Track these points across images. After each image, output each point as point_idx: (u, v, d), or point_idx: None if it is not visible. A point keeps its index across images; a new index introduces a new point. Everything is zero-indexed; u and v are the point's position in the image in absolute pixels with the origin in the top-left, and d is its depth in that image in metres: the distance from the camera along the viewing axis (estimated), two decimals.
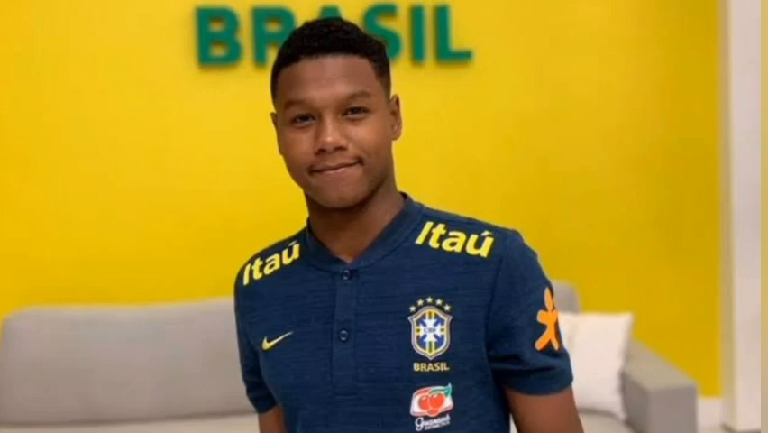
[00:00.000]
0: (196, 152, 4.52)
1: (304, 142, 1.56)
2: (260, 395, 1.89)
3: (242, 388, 1.95)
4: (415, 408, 1.59)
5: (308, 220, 1.73)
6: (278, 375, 1.72)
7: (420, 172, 4.55)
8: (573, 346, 3.91)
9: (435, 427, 1.60)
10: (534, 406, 1.66)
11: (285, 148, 1.61)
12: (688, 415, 3.84)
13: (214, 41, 4.45)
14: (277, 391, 1.76)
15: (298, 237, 1.77)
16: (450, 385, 1.60)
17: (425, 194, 1.85)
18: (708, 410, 4.93)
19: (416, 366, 1.58)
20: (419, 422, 1.60)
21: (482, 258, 1.60)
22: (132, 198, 4.47)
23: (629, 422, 3.93)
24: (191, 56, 4.45)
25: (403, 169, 1.74)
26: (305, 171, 1.58)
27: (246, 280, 1.80)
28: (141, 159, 4.47)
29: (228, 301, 1.93)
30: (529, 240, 1.67)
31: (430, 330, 1.58)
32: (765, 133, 2.41)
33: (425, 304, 1.60)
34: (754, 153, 4.92)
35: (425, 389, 1.59)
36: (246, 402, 1.97)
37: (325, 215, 1.64)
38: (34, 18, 4.33)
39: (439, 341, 1.58)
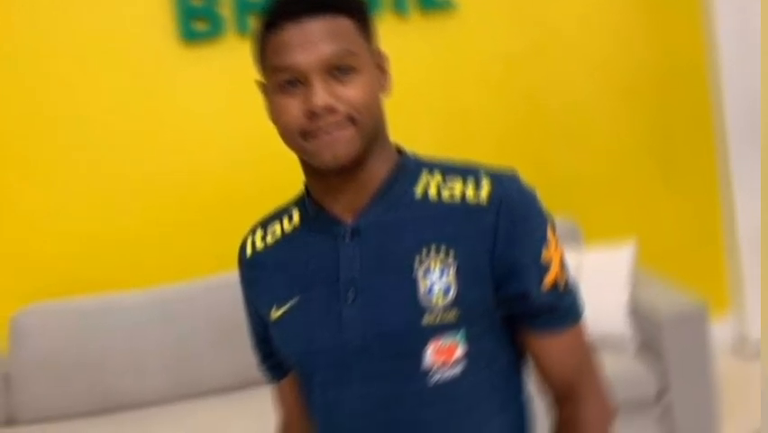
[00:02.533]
0: (187, 131, 4.49)
1: (294, 107, 1.56)
2: (272, 364, 1.90)
3: (254, 360, 1.96)
4: (427, 361, 1.60)
5: (305, 184, 1.73)
6: (290, 342, 1.73)
7: (412, 124, 4.54)
8: (580, 281, 3.90)
9: (448, 379, 1.61)
10: (548, 345, 1.68)
11: (275, 115, 1.60)
12: (700, 335, 3.84)
13: (196, 17, 4.41)
14: (290, 359, 1.78)
15: (297, 202, 1.77)
16: (462, 330, 1.60)
17: (418, 145, 1.85)
18: (720, 328, 4.94)
19: (425, 320, 1.59)
20: (432, 376, 1.61)
21: (482, 204, 1.60)
22: (127, 183, 4.45)
23: (642, 350, 3.94)
24: (174, 34, 4.41)
25: (395, 122, 1.73)
26: (297, 136, 1.57)
27: (249, 252, 1.80)
28: (133, 143, 4.44)
29: (232, 275, 1.93)
30: (526, 178, 1.67)
31: (436, 280, 1.59)
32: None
33: (429, 254, 1.60)
34: (741, 70, 4.90)
35: (438, 339, 1.59)
36: (259, 373, 1.97)
37: (322, 177, 1.64)
38: (15, 16, 4.30)
39: (446, 290, 1.58)
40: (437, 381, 1.61)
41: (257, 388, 3.82)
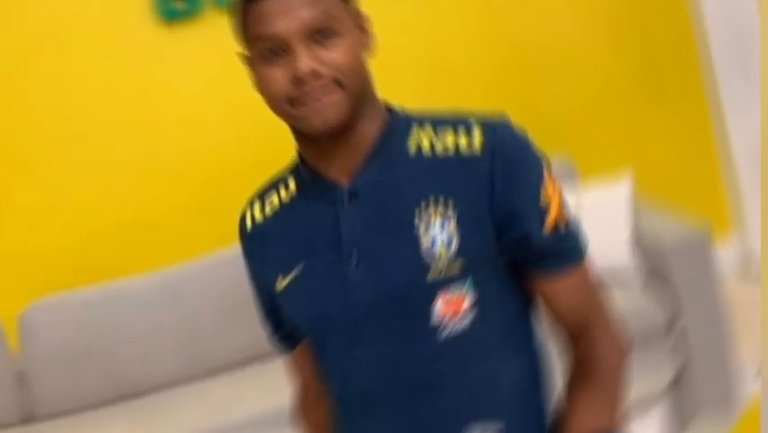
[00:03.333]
0: (175, 110, 4.47)
1: (279, 75, 1.56)
2: (284, 335, 1.90)
3: (265, 332, 1.96)
4: (436, 316, 1.61)
5: (298, 151, 1.73)
6: (299, 310, 1.74)
7: (397, 80, 4.50)
8: (580, 219, 3.87)
9: (458, 332, 1.62)
10: (555, 286, 1.68)
11: (261, 85, 1.60)
12: (706, 261, 3.85)
13: None
14: (301, 326, 1.78)
15: (292, 170, 1.76)
16: (468, 280, 1.61)
17: (405, 101, 1.84)
18: (724, 252, 4.94)
19: (430, 276, 1.59)
20: (442, 331, 1.61)
21: (476, 154, 1.60)
22: (120, 169, 4.43)
23: (649, 282, 3.95)
24: (152, 15, 4.38)
25: (380, 80, 1.72)
26: (285, 104, 1.57)
27: (249, 225, 1.80)
28: (122, 128, 4.42)
29: (234, 250, 1.92)
30: (517, 121, 1.66)
31: (438, 233, 1.59)
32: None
33: (428, 208, 1.60)
34: None
35: (445, 292, 1.60)
36: (271, 345, 1.97)
37: (314, 143, 1.63)
38: None
39: (449, 242, 1.59)
40: (448, 335, 1.62)
41: (270, 360, 3.82)
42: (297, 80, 1.54)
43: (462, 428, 1.64)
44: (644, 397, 3.78)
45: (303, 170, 1.72)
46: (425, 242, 1.59)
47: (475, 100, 4.55)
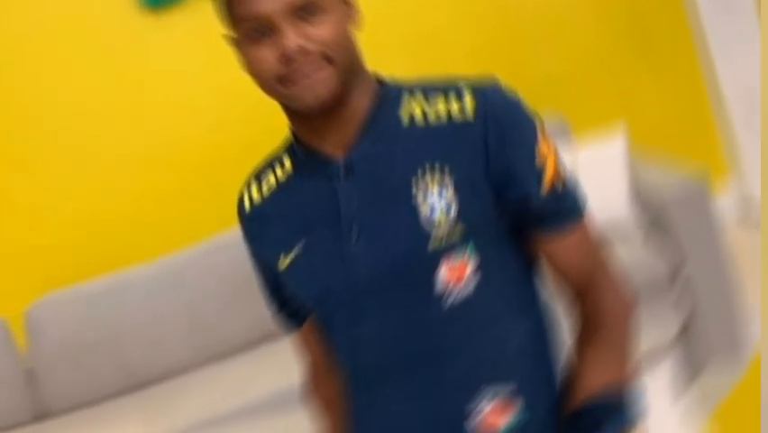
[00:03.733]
0: (165, 98, 4.47)
1: (267, 54, 1.55)
2: (289, 313, 1.89)
3: (270, 313, 1.96)
4: (440, 285, 1.61)
5: (291, 129, 1.72)
6: (303, 288, 1.74)
7: (385, 50, 4.49)
8: (577, 177, 3.88)
9: (463, 299, 1.62)
10: (557, 246, 1.68)
11: (250, 66, 1.59)
12: (705, 210, 3.85)
13: None
14: (306, 304, 1.79)
15: (286, 148, 1.76)
16: (470, 244, 1.60)
17: (394, 71, 1.84)
18: (723, 200, 4.94)
19: (431, 245, 1.59)
20: (446, 299, 1.61)
21: (468, 120, 1.60)
22: (116, 160, 4.43)
23: (650, 236, 3.95)
24: (136, 4, 4.37)
25: (368, 51, 1.72)
26: (275, 83, 1.57)
27: (247, 206, 1.80)
28: (114, 119, 4.42)
29: (234, 232, 1.92)
30: (507, 83, 1.66)
31: (436, 201, 1.59)
32: None
33: (425, 175, 1.60)
34: None
35: (447, 259, 1.60)
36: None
37: (306, 119, 1.63)
38: None
39: (448, 208, 1.58)
40: (453, 302, 1.62)
41: (278, 340, 3.83)
42: (286, 58, 1.53)
43: (475, 393, 1.65)
44: (654, 349, 3.79)
45: (297, 148, 1.72)
46: (423, 210, 1.59)
47: (464, 65, 4.55)
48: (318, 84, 1.55)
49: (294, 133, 1.72)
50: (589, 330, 1.72)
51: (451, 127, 1.61)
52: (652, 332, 3.75)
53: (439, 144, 1.61)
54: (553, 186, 1.63)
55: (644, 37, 5.00)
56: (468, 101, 1.61)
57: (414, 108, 1.65)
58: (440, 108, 1.63)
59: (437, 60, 4.70)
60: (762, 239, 2.11)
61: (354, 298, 1.65)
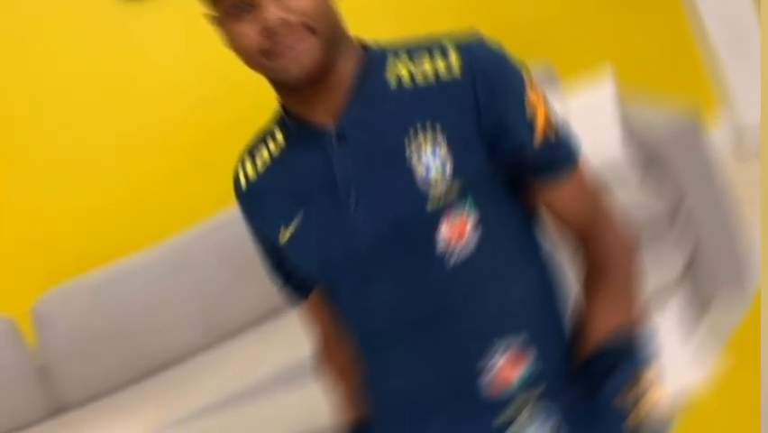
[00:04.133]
0: (153, 82, 4.46)
1: (249, 29, 1.54)
2: (294, 286, 1.89)
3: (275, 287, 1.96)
4: (441, 244, 1.61)
5: (280, 103, 1.72)
6: (306, 259, 1.74)
7: (366, 14, 4.49)
8: (569, 124, 3.88)
9: (465, 256, 1.62)
10: (555, 194, 1.68)
11: (233, 43, 1.59)
12: (699, 145, 3.85)
13: None
14: (310, 275, 1.78)
15: (277, 121, 1.75)
16: (469, 199, 1.60)
17: (377, 34, 1.83)
18: (715, 133, 4.95)
19: (429, 205, 1.59)
20: (449, 258, 1.61)
21: (456, 77, 1.59)
22: (108, 150, 4.43)
23: (647, 177, 3.95)
24: None
25: (350, 17, 1.71)
26: (260, 57, 1.56)
27: (243, 183, 1.79)
28: (104, 109, 4.41)
29: (232, 209, 1.91)
30: (492, 35, 1.65)
31: (431, 159, 1.59)
32: None
33: (417, 135, 1.60)
34: None
35: (447, 217, 1.60)
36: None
37: (294, 91, 1.63)
38: None
39: (443, 166, 1.58)
40: (456, 261, 1.62)
41: (286, 314, 3.83)
42: (268, 32, 1.53)
43: (487, 348, 1.65)
44: (660, 288, 3.80)
45: (288, 120, 1.71)
46: (419, 171, 1.59)
47: (447, 17, 4.56)
48: (303, 55, 1.54)
49: (283, 106, 1.72)
50: (594, 276, 1.73)
51: (439, 86, 1.60)
52: (657, 271, 3.76)
53: (429, 104, 1.61)
54: (545, 135, 1.63)
55: None
56: (453, 58, 1.60)
57: (400, 70, 1.64)
58: (426, 68, 1.62)
59: (419, 17, 4.70)
60: (762, 169, 2.10)
61: (358, 264, 1.65)
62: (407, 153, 1.60)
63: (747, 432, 3.08)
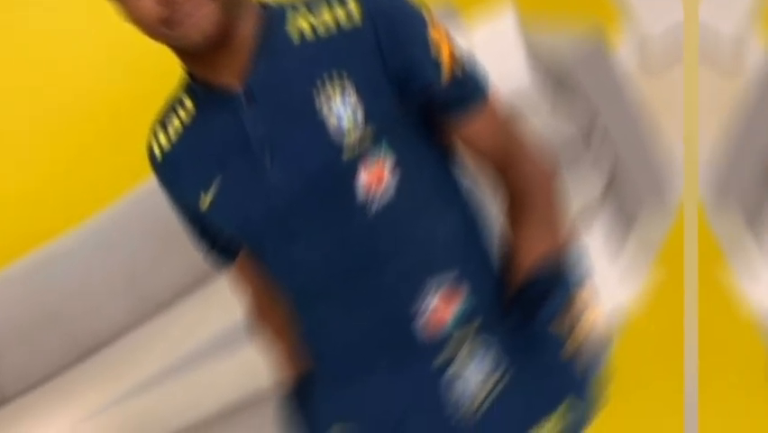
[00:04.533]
0: (51, 62, 4.38)
1: (144, 0, 1.52)
2: (220, 250, 1.89)
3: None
4: (361, 192, 1.61)
5: (186, 69, 1.71)
6: (227, 223, 1.74)
7: None
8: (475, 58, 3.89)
9: (386, 203, 1.62)
10: (468, 130, 1.69)
11: (131, 15, 1.56)
12: (606, 64, 3.89)
13: None
14: (235, 238, 1.78)
15: (185, 89, 1.74)
16: (383, 142, 1.61)
17: None
18: (621, 47, 4.98)
19: (345, 155, 1.59)
20: (370, 207, 1.62)
21: (357, 25, 1.59)
22: (20, 135, 4.36)
23: (556, 101, 3.98)
24: None
25: None
26: (160, 26, 1.54)
27: (158, 154, 1.78)
28: (11, 94, 4.34)
29: (152, 181, 1.90)
30: None
31: (341, 108, 1.59)
32: None
33: (325, 85, 1.60)
34: None
35: (363, 163, 1.60)
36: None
37: (197, 57, 1.61)
38: None
39: (354, 113, 1.59)
40: (377, 208, 1.62)
41: (217, 280, 3.82)
42: (165, 0, 1.51)
43: (419, 290, 1.66)
44: (584, 210, 3.84)
45: (195, 86, 1.70)
46: (331, 122, 1.59)
47: None
48: (202, 20, 1.53)
49: (189, 73, 1.71)
50: (516, 206, 1.74)
51: (341, 35, 1.60)
52: (578, 193, 3.80)
53: (333, 54, 1.60)
54: (452, 71, 1.64)
55: None
56: (352, 6, 1.60)
57: (301, 24, 1.64)
58: (326, 19, 1.62)
59: None
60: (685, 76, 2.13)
61: (280, 222, 1.65)
62: (317, 106, 1.59)
63: (674, 345, 3.14)
